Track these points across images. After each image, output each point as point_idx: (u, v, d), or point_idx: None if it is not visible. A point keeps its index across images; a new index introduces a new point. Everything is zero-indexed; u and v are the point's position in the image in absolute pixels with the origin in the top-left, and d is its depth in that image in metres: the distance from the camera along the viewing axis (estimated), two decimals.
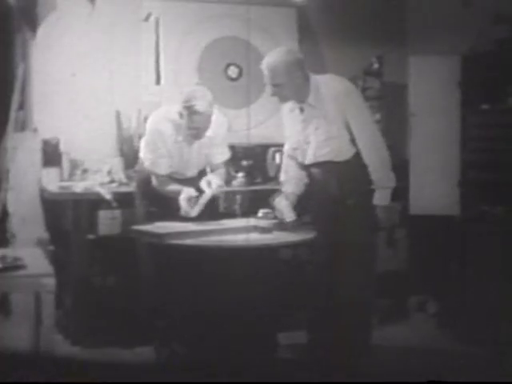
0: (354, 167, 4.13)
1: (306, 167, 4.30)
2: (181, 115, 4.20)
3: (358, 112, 4.13)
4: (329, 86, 4.14)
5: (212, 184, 4.19)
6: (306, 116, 4.17)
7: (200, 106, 4.16)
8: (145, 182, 4.40)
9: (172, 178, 4.35)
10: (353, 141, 4.11)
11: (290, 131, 4.31)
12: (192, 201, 4.14)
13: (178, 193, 4.20)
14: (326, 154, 4.15)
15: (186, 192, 4.16)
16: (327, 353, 4.22)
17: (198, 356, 3.97)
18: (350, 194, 4.13)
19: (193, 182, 4.35)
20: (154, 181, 4.34)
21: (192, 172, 4.43)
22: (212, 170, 4.48)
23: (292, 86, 4.09)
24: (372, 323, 4.42)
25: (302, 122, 4.20)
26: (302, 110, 4.19)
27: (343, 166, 4.14)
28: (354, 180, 4.14)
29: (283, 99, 4.18)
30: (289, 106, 4.25)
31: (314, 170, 4.24)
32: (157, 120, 4.36)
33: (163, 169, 4.32)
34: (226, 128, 4.47)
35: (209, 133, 4.28)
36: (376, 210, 4.13)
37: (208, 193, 4.15)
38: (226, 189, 4.43)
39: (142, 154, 4.41)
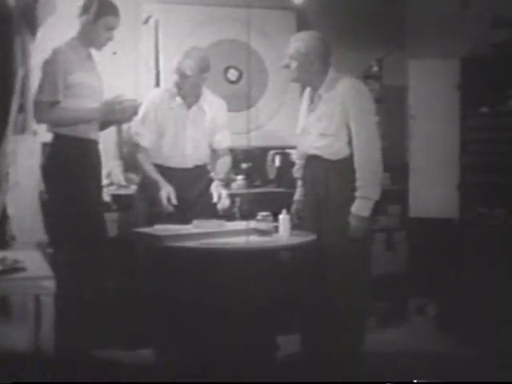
0: (343, 169, 4.12)
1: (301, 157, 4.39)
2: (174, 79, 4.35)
3: (361, 119, 4.12)
4: (343, 84, 4.15)
5: (222, 198, 4.33)
6: (314, 106, 4.22)
7: (188, 66, 4.29)
8: (146, 183, 4.42)
9: (169, 167, 4.41)
10: (349, 143, 4.11)
11: (300, 119, 4.36)
12: (171, 199, 4.26)
13: (156, 183, 4.32)
14: (320, 147, 4.17)
15: (166, 191, 4.28)
16: (322, 355, 4.21)
17: (198, 357, 3.97)
18: (335, 195, 4.13)
19: (187, 173, 4.45)
20: (138, 154, 4.45)
21: (190, 162, 4.48)
22: (218, 157, 4.57)
23: (306, 70, 4.14)
24: (366, 325, 4.38)
25: (309, 111, 4.26)
26: (312, 99, 4.24)
27: (333, 165, 4.14)
28: (340, 182, 4.13)
29: (301, 83, 4.32)
30: (307, 93, 4.32)
31: (305, 164, 4.30)
32: (155, 92, 4.54)
33: (147, 141, 4.42)
34: (226, 111, 4.56)
35: (210, 115, 4.40)
36: (351, 217, 4.08)
37: (219, 206, 4.33)
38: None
39: (132, 128, 4.51)
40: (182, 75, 4.32)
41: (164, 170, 4.44)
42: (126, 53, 5.07)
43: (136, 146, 4.47)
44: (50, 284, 3.29)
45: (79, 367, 3.84)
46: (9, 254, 3.57)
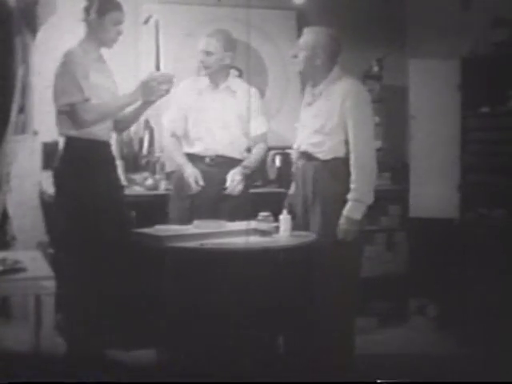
0: (333, 170, 4.11)
1: (294, 153, 4.39)
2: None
3: (360, 122, 4.09)
4: (345, 83, 4.15)
5: (234, 183, 4.41)
6: (312, 99, 4.22)
7: (210, 44, 4.42)
8: (180, 182, 4.44)
9: (199, 155, 4.46)
10: (342, 144, 4.10)
11: (301, 113, 4.38)
12: (198, 181, 4.38)
13: (181, 167, 4.45)
14: (312, 143, 4.16)
15: (192, 173, 4.39)
16: (318, 355, 4.22)
17: (197, 357, 3.96)
18: (322, 195, 4.13)
19: (221, 162, 4.48)
20: (168, 143, 4.60)
21: (222, 147, 4.49)
22: (253, 145, 4.61)
23: (311, 62, 4.13)
24: (355, 326, 4.36)
25: (307, 105, 4.26)
26: (311, 94, 4.24)
27: (322, 164, 4.13)
28: (328, 182, 4.12)
29: (305, 76, 4.31)
30: (307, 88, 4.32)
31: (298, 160, 4.30)
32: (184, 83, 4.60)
33: (174, 125, 4.52)
34: (259, 97, 4.62)
35: (243, 100, 4.44)
36: (342, 219, 4.07)
37: (229, 189, 4.41)
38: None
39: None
40: (206, 53, 4.42)
41: (192, 158, 4.49)
42: (126, 53, 5.07)
43: (172, 137, 4.56)
44: (51, 284, 3.30)
45: (80, 367, 3.84)
46: (9, 255, 3.58)
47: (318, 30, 4.23)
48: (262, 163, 5.31)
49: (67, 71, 3.96)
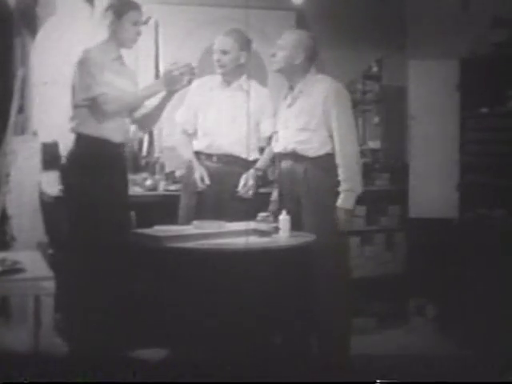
0: (323, 166, 4.18)
1: (277, 156, 4.41)
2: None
3: (343, 115, 4.19)
4: (325, 82, 4.25)
5: (246, 186, 4.40)
6: (292, 100, 4.27)
7: (226, 43, 4.41)
8: (188, 179, 4.46)
9: (206, 153, 4.48)
10: (327, 141, 4.17)
11: (279, 117, 4.40)
12: (204, 179, 4.39)
13: (188, 163, 4.46)
14: (298, 142, 4.21)
15: (199, 171, 4.40)
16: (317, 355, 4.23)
17: (197, 358, 3.97)
18: (316, 192, 4.17)
19: (229, 161, 4.48)
20: (178, 140, 4.60)
21: (229, 145, 4.48)
22: (265, 146, 4.58)
23: (291, 62, 4.21)
24: (352, 324, 4.38)
25: (287, 107, 4.30)
26: (290, 94, 4.28)
27: (311, 162, 4.19)
28: (319, 178, 4.18)
29: (283, 75, 4.31)
30: (284, 91, 4.37)
31: (283, 162, 4.32)
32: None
33: (190, 126, 4.52)
34: (271, 99, 4.59)
35: (254, 100, 4.41)
36: (337, 211, 4.16)
37: (241, 192, 4.41)
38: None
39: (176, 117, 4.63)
40: (222, 52, 4.42)
41: (199, 155, 4.50)
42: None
43: (183, 134, 4.57)
44: (50, 285, 3.30)
45: (79, 367, 3.84)
46: (9, 255, 3.58)
47: (300, 32, 4.38)
48: None
49: (84, 67, 3.98)
